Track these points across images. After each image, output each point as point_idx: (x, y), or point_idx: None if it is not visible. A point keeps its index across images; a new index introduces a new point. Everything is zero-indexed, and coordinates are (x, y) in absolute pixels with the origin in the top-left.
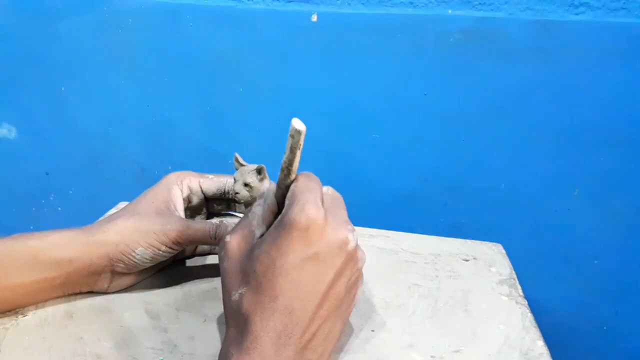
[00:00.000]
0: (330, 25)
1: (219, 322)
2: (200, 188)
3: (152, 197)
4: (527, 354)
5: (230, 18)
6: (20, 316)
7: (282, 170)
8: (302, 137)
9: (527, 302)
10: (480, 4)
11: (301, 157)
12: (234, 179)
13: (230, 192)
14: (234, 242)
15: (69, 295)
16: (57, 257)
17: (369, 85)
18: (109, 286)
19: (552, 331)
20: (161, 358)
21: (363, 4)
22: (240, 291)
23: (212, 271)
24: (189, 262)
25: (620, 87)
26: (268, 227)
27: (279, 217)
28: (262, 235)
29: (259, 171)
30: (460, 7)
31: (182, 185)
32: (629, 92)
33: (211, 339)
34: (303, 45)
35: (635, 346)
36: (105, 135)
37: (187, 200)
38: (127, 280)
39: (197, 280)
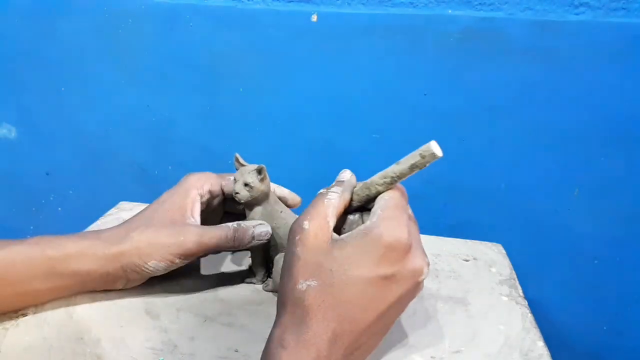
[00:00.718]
0: (330, 25)
1: (219, 322)
2: (222, 191)
3: (170, 204)
4: (527, 354)
5: (230, 18)
6: (20, 316)
7: (386, 177)
8: (432, 161)
9: (527, 303)
10: (480, 4)
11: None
12: (234, 179)
13: (254, 236)
14: (312, 231)
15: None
16: (75, 268)
17: (369, 85)
18: (122, 287)
19: (552, 331)
20: (161, 358)
21: (363, 4)
22: (309, 282)
23: (212, 271)
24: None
25: (620, 87)
26: (338, 219)
27: (367, 224)
28: (335, 229)
29: (259, 171)
30: (460, 7)
31: (203, 190)
32: (629, 92)
33: (211, 339)
34: (303, 45)
35: (635, 346)
36: (105, 135)
37: (206, 204)
38: (140, 281)
39: (197, 280)
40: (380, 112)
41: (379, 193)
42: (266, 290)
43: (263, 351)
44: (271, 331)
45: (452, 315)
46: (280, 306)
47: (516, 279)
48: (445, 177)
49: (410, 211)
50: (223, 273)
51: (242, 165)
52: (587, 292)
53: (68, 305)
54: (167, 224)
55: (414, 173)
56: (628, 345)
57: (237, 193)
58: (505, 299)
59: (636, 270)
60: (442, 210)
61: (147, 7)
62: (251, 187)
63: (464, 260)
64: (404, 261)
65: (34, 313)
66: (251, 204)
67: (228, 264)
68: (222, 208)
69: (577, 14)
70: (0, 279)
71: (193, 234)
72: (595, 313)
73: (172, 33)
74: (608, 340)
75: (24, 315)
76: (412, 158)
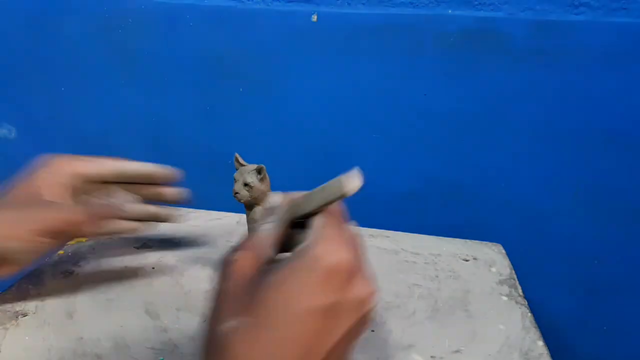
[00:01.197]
0: (330, 25)
1: None
2: (86, 174)
3: (18, 187)
4: (527, 354)
5: (230, 18)
6: (20, 316)
7: (311, 197)
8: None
9: (527, 302)
10: (480, 4)
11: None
12: (234, 179)
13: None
14: (243, 261)
15: None
16: None
17: (369, 85)
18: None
19: (552, 331)
20: (161, 358)
21: (363, 4)
22: (233, 322)
23: (212, 271)
24: (189, 262)
25: (620, 88)
26: (280, 250)
27: (302, 246)
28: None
29: (259, 171)
30: (460, 7)
31: (57, 171)
32: (629, 93)
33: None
34: (303, 45)
35: (635, 346)
36: (105, 135)
37: (68, 188)
38: (4, 270)
39: (197, 280)
40: (380, 112)
41: (312, 214)
42: None
43: None
44: None
45: (452, 315)
46: (202, 353)
47: (516, 279)
48: (445, 177)
49: (351, 228)
50: None
51: (242, 165)
52: (587, 292)
53: (68, 305)
54: (22, 201)
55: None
56: (628, 345)
57: (237, 193)
58: (505, 298)
59: (636, 270)
60: (442, 210)
61: (147, 7)
62: (251, 187)
63: (464, 260)
64: (347, 288)
65: (34, 313)
66: (251, 204)
67: None
68: (108, 194)
69: (577, 14)
70: None
71: (50, 210)
72: (595, 313)
73: (172, 33)
74: (608, 340)
75: (24, 315)
76: (323, 195)
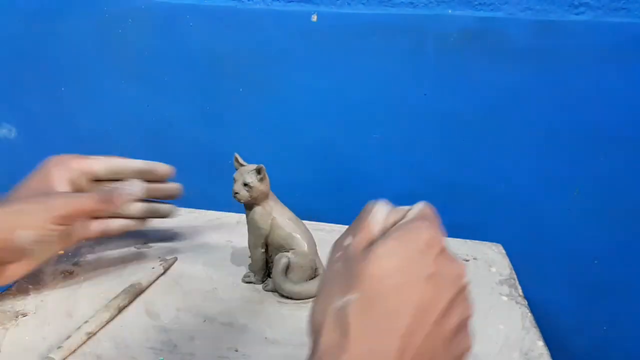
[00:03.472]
0: (330, 25)
1: (219, 322)
2: (92, 170)
3: (28, 185)
4: (527, 354)
5: (230, 18)
6: (20, 316)
7: None
8: None
9: (527, 302)
10: (480, 4)
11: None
12: (234, 179)
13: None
14: (358, 245)
15: None
16: None
17: (369, 85)
18: (2, 281)
19: (552, 331)
20: (161, 358)
21: (363, 4)
22: (348, 297)
23: (212, 271)
24: (189, 262)
25: (620, 88)
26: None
27: (401, 222)
28: None
29: (259, 171)
30: (460, 7)
31: (64, 168)
32: (629, 92)
33: (211, 339)
34: (303, 45)
35: (635, 346)
36: (105, 135)
37: (76, 184)
38: (18, 270)
39: (197, 280)
40: (380, 112)
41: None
42: (266, 290)
43: None
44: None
45: None
46: (313, 333)
47: (516, 279)
48: (445, 177)
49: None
50: (223, 273)
51: (242, 165)
52: (587, 292)
53: (68, 305)
54: (34, 194)
55: None
56: (628, 345)
57: (236, 193)
58: (505, 298)
59: (636, 270)
60: (442, 210)
61: (147, 7)
62: (250, 187)
63: (464, 260)
64: (442, 261)
65: (34, 313)
66: (251, 203)
67: (228, 264)
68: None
69: (577, 14)
70: None
71: (62, 196)
72: (595, 313)
73: (172, 33)
74: (608, 340)
75: (24, 315)
76: None
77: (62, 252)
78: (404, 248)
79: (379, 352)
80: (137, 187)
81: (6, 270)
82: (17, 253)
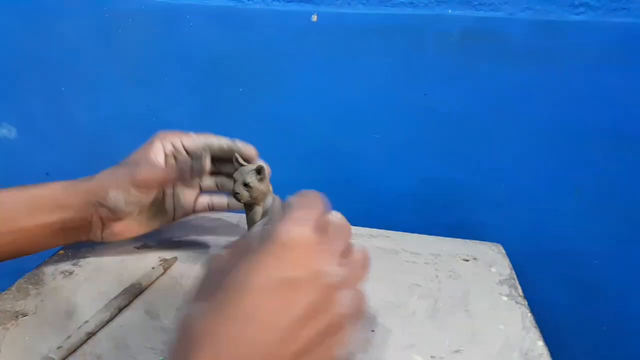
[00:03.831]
0: (330, 25)
1: None
2: (182, 145)
3: (135, 153)
4: (527, 354)
5: (230, 18)
6: (20, 316)
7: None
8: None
9: (527, 302)
10: (480, 4)
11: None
12: (234, 179)
13: (193, 168)
14: (225, 258)
15: (70, 243)
16: (53, 203)
17: (369, 85)
18: (102, 234)
19: (552, 331)
20: (161, 358)
21: (363, 4)
22: (196, 305)
23: None
24: (189, 262)
25: (620, 87)
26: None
27: (264, 227)
28: None
29: (259, 171)
30: (460, 7)
31: (165, 142)
32: (629, 92)
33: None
34: (303, 45)
35: (635, 346)
36: (105, 135)
37: (173, 157)
38: (117, 228)
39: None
40: (380, 112)
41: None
42: None
43: None
44: None
45: (452, 315)
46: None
47: (516, 279)
48: (445, 177)
49: (333, 215)
50: None
51: (242, 165)
52: (587, 292)
53: (68, 305)
54: (128, 163)
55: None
56: (628, 345)
57: (237, 193)
58: (505, 299)
59: (636, 270)
60: (442, 210)
61: (147, 7)
62: (250, 187)
63: (464, 260)
64: (306, 263)
65: (34, 313)
66: (251, 204)
67: None
68: (200, 169)
69: (577, 14)
70: None
71: (145, 166)
72: (595, 313)
73: (172, 33)
74: (608, 340)
75: (24, 315)
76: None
77: (62, 252)
78: (255, 257)
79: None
80: (206, 161)
81: (114, 228)
82: (115, 212)
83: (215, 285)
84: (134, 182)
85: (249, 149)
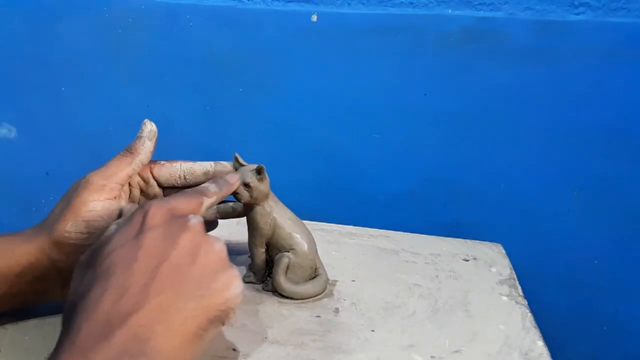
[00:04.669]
0: (330, 25)
1: None
2: (152, 176)
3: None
4: (527, 354)
5: (230, 18)
6: (20, 316)
7: None
8: None
9: (527, 302)
10: (480, 4)
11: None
12: None
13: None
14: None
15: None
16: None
17: (369, 85)
18: (61, 292)
19: (552, 331)
20: None
21: (363, 4)
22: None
23: None
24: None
25: (620, 87)
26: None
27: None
28: None
29: (259, 171)
30: (460, 7)
31: (129, 180)
32: (629, 92)
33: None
34: (303, 45)
35: (635, 346)
36: (105, 135)
37: (142, 193)
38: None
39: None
40: (380, 112)
41: None
42: (266, 290)
43: None
44: None
45: (452, 315)
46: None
47: (516, 279)
48: (445, 177)
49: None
50: None
51: (242, 165)
52: (587, 292)
53: None
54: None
55: None
56: (628, 345)
57: (236, 194)
58: (505, 298)
59: (636, 270)
60: (442, 210)
61: (147, 7)
62: (251, 188)
63: (464, 260)
64: (157, 221)
65: (34, 313)
66: (251, 204)
67: None
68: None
69: (577, 14)
70: None
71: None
72: (595, 313)
73: (172, 33)
74: (608, 340)
75: (24, 315)
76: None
77: None
78: (116, 233)
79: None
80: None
81: (54, 275)
82: (71, 253)
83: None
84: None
85: (229, 167)
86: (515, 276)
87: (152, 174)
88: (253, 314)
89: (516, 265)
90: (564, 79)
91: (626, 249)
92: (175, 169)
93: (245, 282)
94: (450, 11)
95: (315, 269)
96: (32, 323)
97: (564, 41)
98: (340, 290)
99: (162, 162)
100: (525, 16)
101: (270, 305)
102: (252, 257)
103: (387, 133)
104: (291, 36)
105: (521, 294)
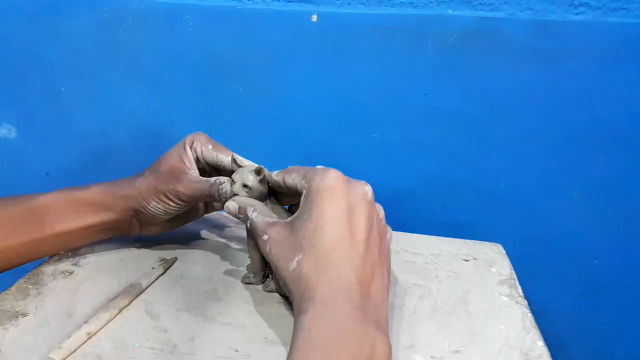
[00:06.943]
0: (330, 25)
1: (219, 322)
2: (202, 154)
3: (167, 159)
4: (527, 354)
5: (230, 18)
6: (20, 316)
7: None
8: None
9: (527, 302)
10: (480, 4)
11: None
12: (232, 180)
13: (220, 193)
14: (273, 232)
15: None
16: (97, 206)
17: (369, 85)
18: (140, 232)
19: (552, 331)
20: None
21: (363, 4)
22: (296, 259)
23: (212, 271)
24: (189, 262)
25: (620, 87)
26: (277, 216)
27: (305, 191)
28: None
29: (258, 172)
30: (460, 7)
31: (193, 150)
32: (629, 93)
33: (211, 339)
34: (303, 45)
35: (635, 346)
36: (105, 135)
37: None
38: (154, 229)
39: (197, 280)
40: (380, 112)
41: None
42: (266, 291)
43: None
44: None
45: (452, 315)
46: (291, 299)
47: (516, 279)
48: (445, 177)
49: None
50: (223, 273)
51: (240, 166)
52: (587, 292)
53: (68, 305)
54: (167, 172)
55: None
56: (628, 345)
57: (236, 194)
58: (505, 299)
59: (636, 270)
60: (442, 210)
61: (147, 7)
62: (250, 188)
63: (464, 260)
64: (349, 191)
65: (34, 313)
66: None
67: (228, 264)
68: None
69: (577, 14)
70: (40, 220)
71: (184, 183)
72: (595, 313)
73: (172, 33)
74: (608, 340)
75: (24, 315)
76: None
77: (62, 252)
78: (316, 209)
79: (339, 281)
80: (225, 188)
81: (151, 228)
82: (153, 218)
83: (296, 242)
84: (177, 196)
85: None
86: (515, 276)
87: (202, 155)
88: (253, 314)
89: (516, 265)
90: (564, 79)
91: (626, 249)
92: (215, 158)
93: (245, 283)
94: (450, 11)
95: None
96: (32, 323)
97: (564, 41)
98: None
99: (210, 147)
100: (525, 16)
101: (270, 306)
102: (251, 257)
103: (387, 133)
104: (291, 36)
105: (521, 294)
